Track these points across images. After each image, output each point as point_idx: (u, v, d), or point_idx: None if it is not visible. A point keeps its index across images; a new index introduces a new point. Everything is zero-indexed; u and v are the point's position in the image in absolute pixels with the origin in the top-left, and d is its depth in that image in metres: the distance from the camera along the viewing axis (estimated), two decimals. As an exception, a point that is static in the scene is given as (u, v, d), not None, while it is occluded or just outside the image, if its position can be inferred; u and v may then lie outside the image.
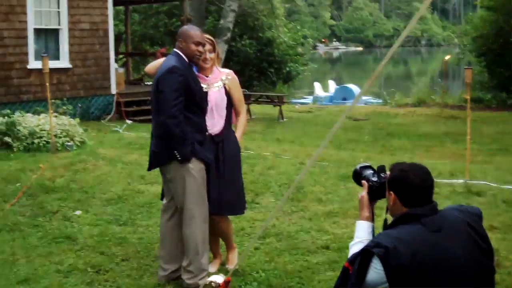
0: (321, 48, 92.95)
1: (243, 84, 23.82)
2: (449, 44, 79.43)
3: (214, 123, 5.17)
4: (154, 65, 5.30)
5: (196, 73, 5.14)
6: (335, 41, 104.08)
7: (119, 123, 15.17)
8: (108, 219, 6.95)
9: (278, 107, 19.04)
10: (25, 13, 14.47)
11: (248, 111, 18.72)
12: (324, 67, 57.08)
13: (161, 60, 5.25)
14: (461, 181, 8.51)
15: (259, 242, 6.10)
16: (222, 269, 5.35)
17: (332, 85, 29.35)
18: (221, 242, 5.63)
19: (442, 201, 7.45)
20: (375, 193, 3.45)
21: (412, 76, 45.97)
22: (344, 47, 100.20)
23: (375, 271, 3.01)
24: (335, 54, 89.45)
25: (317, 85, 29.29)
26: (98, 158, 9.99)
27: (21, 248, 5.96)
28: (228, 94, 5.27)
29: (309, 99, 27.62)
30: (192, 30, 5.06)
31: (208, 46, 5.13)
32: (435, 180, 7.97)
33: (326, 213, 7.09)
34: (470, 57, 25.81)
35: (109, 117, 16.00)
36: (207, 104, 5.11)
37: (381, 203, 3.49)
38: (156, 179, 7.76)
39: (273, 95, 20.75)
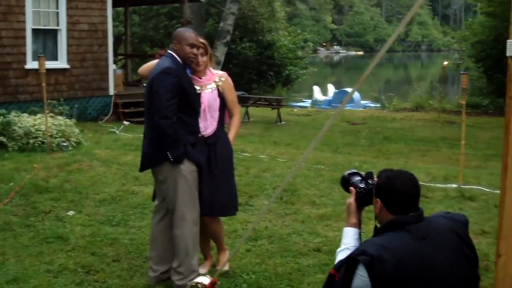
0: (322, 52, 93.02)
1: (242, 87, 23.97)
2: (449, 50, 79.50)
3: (207, 125, 5.17)
4: (147, 67, 5.30)
5: (190, 74, 5.14)
6: (336, 45, 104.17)
7: (117, 124, 15.16)
8: (100, 219, 6.94)
9: (276, 110, 19.05)
10: (23, 13, 14.49)
11: (246, 113, 18.73)
12: (324, 71, 57.14)
13: (154, 61, 5.26)
14: (454, 185, 8.52)
15: (250, 244, 6.11)
16: (213, 271, 5.34)
17: (331, 89, 29.38)
18: (213, 244, 5.64)
19: (435, 205, 7.49)
20: (362, 200, 3.45)
21: (412, 81, 46.02)
22: (345, 51, 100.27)
23: (360, 278, 3.01)
24: (336, 58, 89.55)
25: (316, 89, 29.31)
26: (93, 159, 10.00)
27: (11, 248, 5.96)
28: (221, 95, 5.27)
29: (308, 103, 27.64)
30: (187, 32, 5.08)
31: (200, 50, 5.14)
32: (429, 184, 7.96)
33: (319, 216, 7.10)
34: (469, 63, 25.82)
35: (106, 118, 16.01)
36: (200, 106, 5.12)
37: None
38: (150, 180, 7.72)
39: (272, 98, 20.76)
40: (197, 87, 5.14)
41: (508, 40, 2.66)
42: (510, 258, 2.94)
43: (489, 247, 5.83)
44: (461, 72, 9.49)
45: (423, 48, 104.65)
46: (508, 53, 2.66)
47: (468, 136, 9.51)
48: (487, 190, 8.29)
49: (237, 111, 5.48)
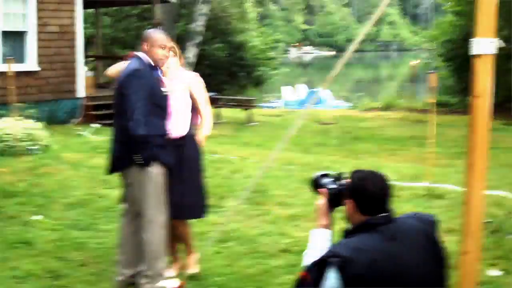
0: (294, 52, 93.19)
1: (214, 88, 23.89)
2: (420, 49, 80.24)
3: (177, 127, 5.14)
4: (116, 69, 5.26)
5: (160, 76, 5.11)
6: (308, 45, 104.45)
7: (86, 127, 15.04)
8: (68, 224, 6.87)
9: (247, 111, 19.05)
10: (-9, 16, 14.31)
11: (218, 114, 18.70)
12: (296, 71, 57.20)
13: (123, 63, 5.22)
14: (423, 184, 8.59)
15: (220, 246, 6.09)
16: (181, 274, 5.32)
17: (301, 89, 29.40)
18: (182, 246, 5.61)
19: (403, 204, 7.51)
20: (333, 201, 3.44)
21: (382, 80, 46.33)
22: (316, 51, 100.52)
23: (332, 281, 3.00)
24: (308, 58, 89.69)
25: (284, 89, 29.21)
26: (61, 162, 9.90)
27: (-23, 254, 5.87)
28: (191, 97, 5.25)
29: (279, 103, 27.67)
30: (157, 34, 5.04)
31: (170, 53, 5.10)
32: (398, 183, 7.95)
33: (288, 217, 7.11)
34: (439, 62, 26.05)
35: (76, 120, 15.86)
36: (169, 107, 5.09)
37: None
38: (119, 183, 7.69)
39: (243, 98, 20.78)
40: (167, 89, 5.11)
41: (472, 39, 2.66)
42: (474, 255, 2.96)
43: (457, 244, 5.87)
44: (429, 72, 9.55)
45: (394, 48, 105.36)
46: (472, 52, 2.66)
47: (437, 135, 9.57)
48: (455, 188, 8.36)
49: (208, 112, 5.46)
